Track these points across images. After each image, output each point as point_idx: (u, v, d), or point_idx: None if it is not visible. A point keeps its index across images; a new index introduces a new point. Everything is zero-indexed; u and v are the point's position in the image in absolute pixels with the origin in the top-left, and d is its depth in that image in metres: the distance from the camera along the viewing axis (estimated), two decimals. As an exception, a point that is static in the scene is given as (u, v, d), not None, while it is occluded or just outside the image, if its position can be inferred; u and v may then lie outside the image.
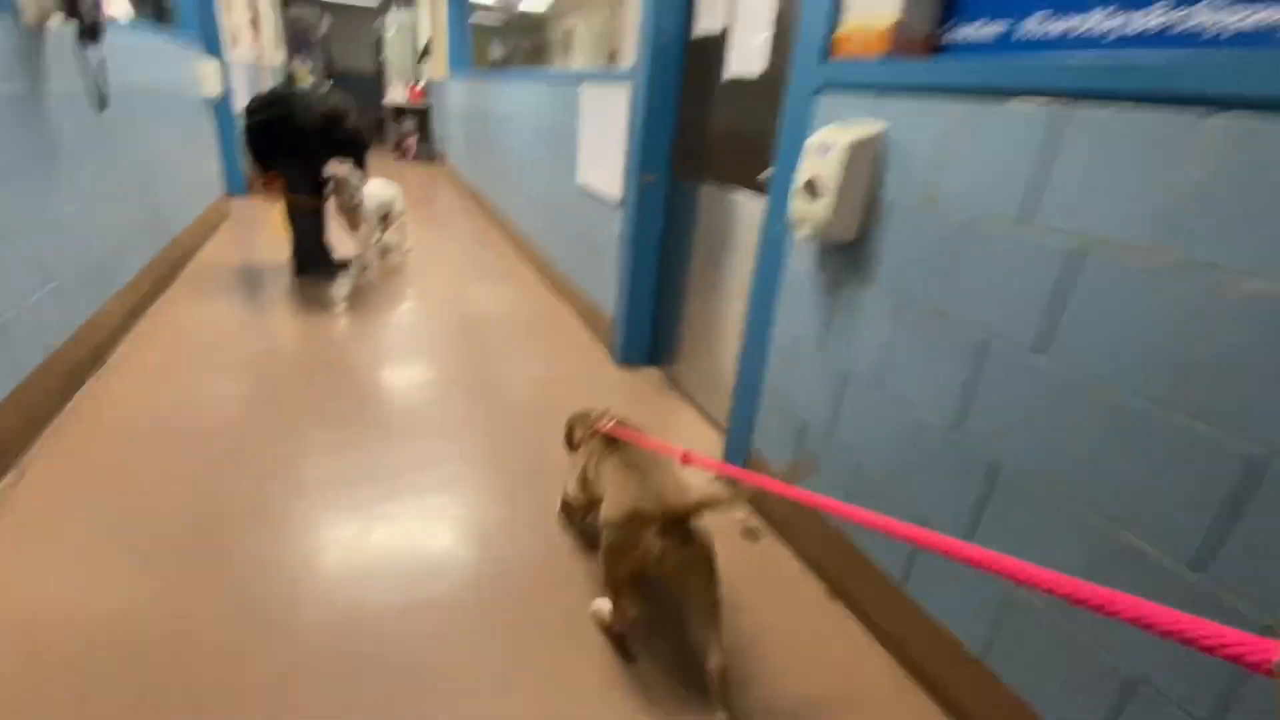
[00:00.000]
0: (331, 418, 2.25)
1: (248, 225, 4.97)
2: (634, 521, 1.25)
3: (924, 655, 1.37)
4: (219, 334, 2.88)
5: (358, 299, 3.60)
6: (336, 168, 3.71)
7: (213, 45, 5.04)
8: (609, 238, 2.91)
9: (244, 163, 5.88)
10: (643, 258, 2.72)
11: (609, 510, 1.35)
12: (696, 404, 2.57)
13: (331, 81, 11.66)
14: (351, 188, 3.68)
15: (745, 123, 2.09)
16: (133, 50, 3.25)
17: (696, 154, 2.40)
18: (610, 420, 1.57)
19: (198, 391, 2.34)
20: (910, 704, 1.35)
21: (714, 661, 1.23)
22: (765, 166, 1.87)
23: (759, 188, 1.98)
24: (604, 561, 1.33)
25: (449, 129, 8.26)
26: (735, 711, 1.26)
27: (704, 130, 2.33)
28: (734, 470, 1.32)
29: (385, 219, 4.27)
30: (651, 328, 2.88)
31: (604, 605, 1.42)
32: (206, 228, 4.45)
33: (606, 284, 3.00)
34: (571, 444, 1.73)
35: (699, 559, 1.24)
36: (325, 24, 11.72)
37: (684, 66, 2.42)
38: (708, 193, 2.37)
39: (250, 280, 3.66)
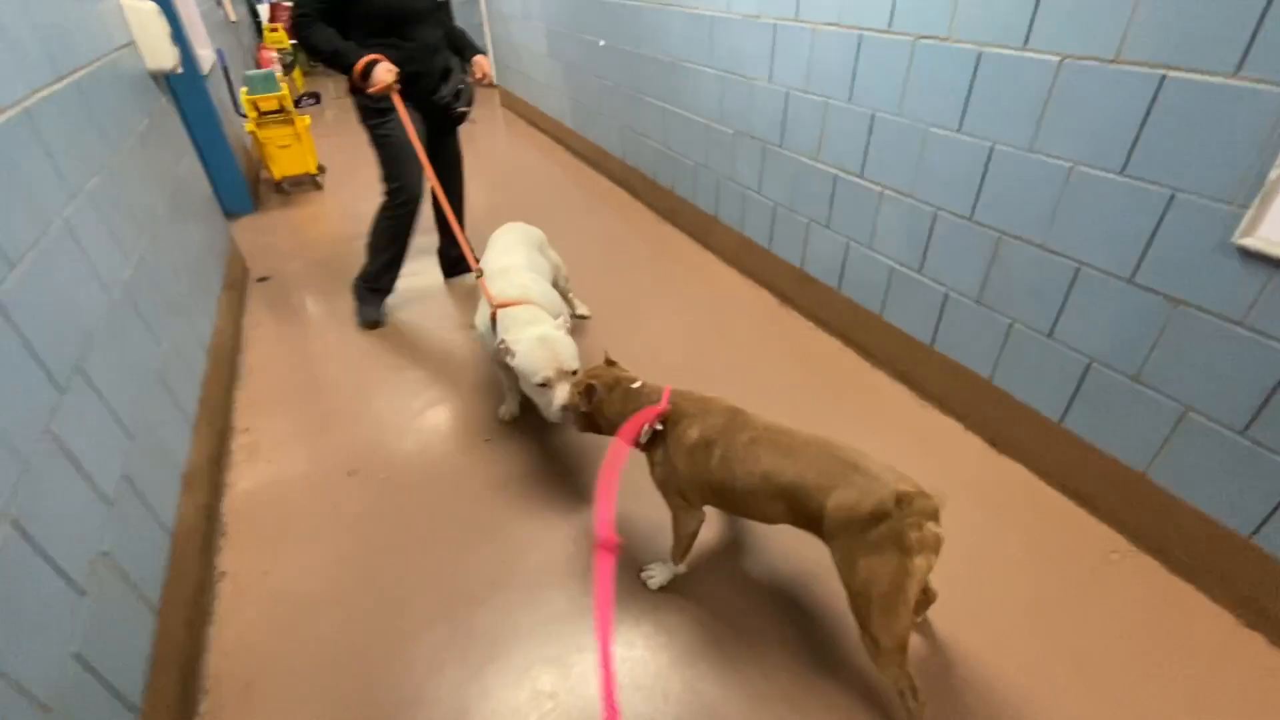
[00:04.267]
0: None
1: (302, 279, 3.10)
2: (918, 513, 1.03)
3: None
4: None
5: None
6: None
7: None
8: None
9: (240, 158, 3.83)
10: None
11: (863, 505, 1.06)
12: None
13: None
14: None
15: None
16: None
17: None
18: (658, 390, 1.40)
19: None
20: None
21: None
22: None
23: None
24: (896, 582, 1.04)
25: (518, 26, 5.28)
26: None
27: None
28: None
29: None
30: None
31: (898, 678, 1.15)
32: (224, 337, 2.60)
33: None
34: (595, 416, 1.45)
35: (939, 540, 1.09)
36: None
37: None
38: None
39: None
